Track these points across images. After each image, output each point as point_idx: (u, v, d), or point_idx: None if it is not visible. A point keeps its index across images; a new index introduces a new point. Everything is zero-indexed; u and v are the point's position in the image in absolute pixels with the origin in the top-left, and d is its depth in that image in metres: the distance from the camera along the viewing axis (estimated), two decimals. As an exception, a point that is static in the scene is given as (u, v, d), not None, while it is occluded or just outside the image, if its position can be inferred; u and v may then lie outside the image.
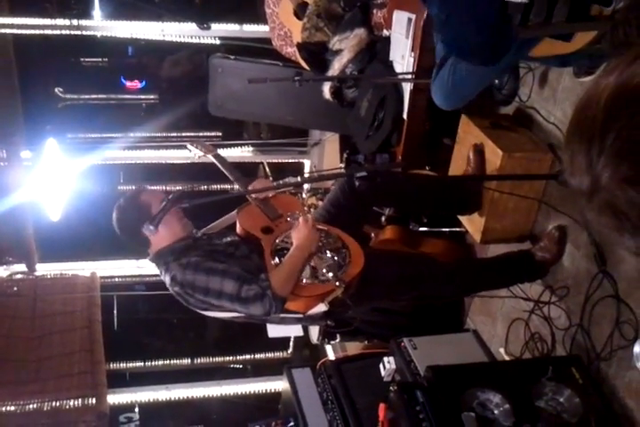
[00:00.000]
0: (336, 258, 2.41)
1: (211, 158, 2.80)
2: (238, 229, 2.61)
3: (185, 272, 2.32)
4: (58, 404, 4.06)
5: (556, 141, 2.64)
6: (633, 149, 0.63)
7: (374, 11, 3.36)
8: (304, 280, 2.33)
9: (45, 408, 4.04)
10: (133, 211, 2.45)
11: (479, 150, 2.75)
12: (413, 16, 2.85)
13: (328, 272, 2.33)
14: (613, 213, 0.68)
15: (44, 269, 5.21)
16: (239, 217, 2.62)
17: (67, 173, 4.03)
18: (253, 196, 2.63)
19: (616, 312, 2.33)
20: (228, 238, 2.55)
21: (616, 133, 0.65)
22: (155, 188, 2.63)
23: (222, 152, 5.08)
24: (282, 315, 2.34)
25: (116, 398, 4.73)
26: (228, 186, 5.10)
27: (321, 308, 2.34)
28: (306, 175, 4.75)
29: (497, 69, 2.30)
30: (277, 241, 2.46)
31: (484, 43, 1.95)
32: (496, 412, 2.16)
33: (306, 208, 3.89)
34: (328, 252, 2.42)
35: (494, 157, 2.65)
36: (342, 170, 3.39)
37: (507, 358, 3.02)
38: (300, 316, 2.40)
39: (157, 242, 2.47)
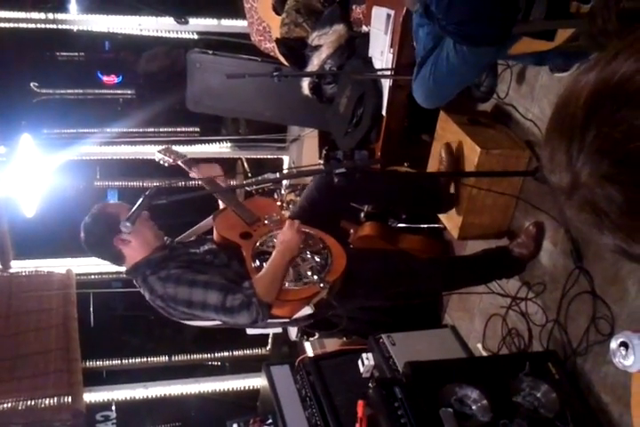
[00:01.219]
0: (318, 259, 2.39)
1: (181, 165, 2.75)
2: (216, 236, 2.54)
3: (165, 286, 2.26)
4: (33, 403, 4.02)
5: (534, 138, 2.65)
6: (613, 146, 0.63)
7: (353, 6, 3.35)
8: (287, 284, 2.29)
9: (20, 407, 3.99)
10: (102, 224, 2.35)
11: (450, 149, 2.77)
12: (392, 12, 2.85)
13: (312, 274, 2.31)
14: (593, 211, 0.68)
15: (19, 267, 5.14)
16: (216, 224, 2.55)
17: (42, 168, 3.98)
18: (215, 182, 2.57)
19: (592, 308, 2.35)
20: (206, 246, 2.49)
21: (596, 131, 0.64)
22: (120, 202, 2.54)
23: (200, 148, 5.11)
24: (268, 320, 2.29)
25: (92, 396, 4.68)
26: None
27: (307, 311, 2.32)
28: (284, 171, 4.74)
29: (477, 68, 2.30)
30: (257, 245, 2.43)
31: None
32: (474, 407, 2.17)
33: (284, 204, 3.88)
34: (309, 253, 2.40)
35: (472, 154, 2.66)
36: (321, 166, 3.39)
37: (484, 353, 3.03)
38: (286, 320, 2.38)
39: (132, 255, 2.39)
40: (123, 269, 2.48)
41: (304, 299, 2.29)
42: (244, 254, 2.39)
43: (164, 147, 2.87)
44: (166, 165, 2.81)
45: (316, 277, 2.29)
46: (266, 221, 2.53)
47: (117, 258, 2.42)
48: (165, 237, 2.52)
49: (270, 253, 2.33)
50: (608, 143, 0.63)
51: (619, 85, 0.64)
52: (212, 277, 2.27)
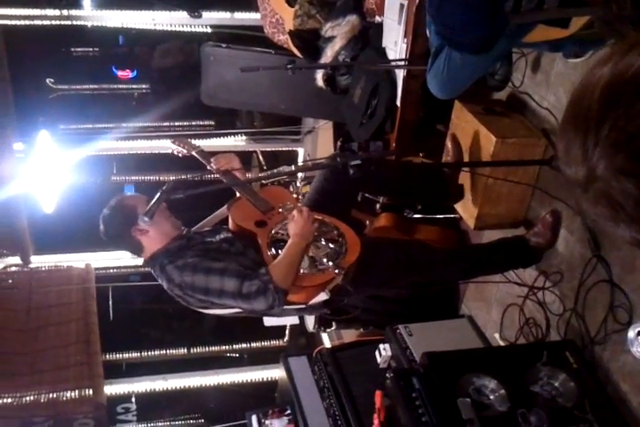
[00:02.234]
0: (333, 246, 2.41)
1: (194, 155, 2.76)
2: (231, 224, 2.57)
3: (183, 274, 2.29)
4: (55, 396, 4.07)
5: (550, 126, 2.64)
6: (628, 140, 0.63)
7: (366, -3, 3.34)
8: (303, 271, 2.32)
9: (42, 400, 4.05)
10: (120, 216, 2.41)
11: (456, 140, 2.78)
12: (406, 2, 2.83)
13: (327, 261, 2.34)
14: (609, 204, 0.68)
15: (39, 262, 5.20)
16: (231, 213, 2.58)
17: (60, 164, 4.02)
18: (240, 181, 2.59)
19: (610, 297, 2.34)
20: (222, 235, 2.51)
21: (611, 124, 0.64)
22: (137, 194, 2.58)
23: (216, 141, 5.12)
24: (284, 307, 2.31)
25: (112, 388, 4.74)
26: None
27: (322, 297, 2.35)
28: (300, 164, 4.74)
29: (492, 59, 2.29)
30: (272, 233, 2.45)
31: (475, 34, 1.94)
32: (491, 397, 2.18)
33: (300, 197, 3.88)
34: (324, 240, 2.42)
35: (487, 143, 2.65)
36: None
37: (502, 343, 3.03)
38: (302, 306, 2.40)
39: (150, 245, 2.43)
40: (140, 260, 2.52)
41: (320, 285, 2.32)
42: (259, 242, 2.41)
43: (176, 137, 2.87)
44: (180, 155, 2.83)
45: (331, 263, 2.31)
46: (280, 210, 2.55)
47: (136, 248, 2.47)
48: (182, 227, 2.56)
49: (285, 241, 2.35)
50: (623, 137, 0.64)
51: (633, 79, 0.64)
52: (229, 265, 2.30)
